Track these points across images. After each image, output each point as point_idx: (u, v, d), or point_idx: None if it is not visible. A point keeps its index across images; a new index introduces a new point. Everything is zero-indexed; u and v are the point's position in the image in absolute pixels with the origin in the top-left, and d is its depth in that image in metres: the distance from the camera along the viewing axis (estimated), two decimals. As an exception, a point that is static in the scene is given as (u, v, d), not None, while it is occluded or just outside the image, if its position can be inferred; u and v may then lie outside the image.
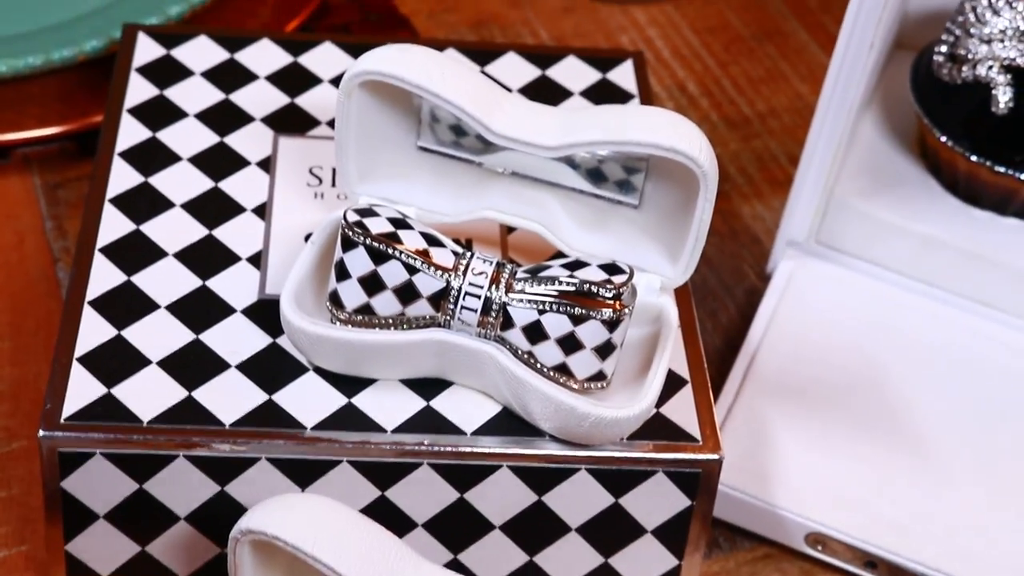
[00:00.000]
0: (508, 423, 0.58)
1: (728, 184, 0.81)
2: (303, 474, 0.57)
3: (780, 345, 0.70)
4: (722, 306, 0.75)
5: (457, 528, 0.59)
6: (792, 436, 0.66)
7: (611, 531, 0.60)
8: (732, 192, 0.81)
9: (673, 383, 0.60)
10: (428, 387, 0.59)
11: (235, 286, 0.61)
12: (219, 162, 0.66)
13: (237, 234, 0.63)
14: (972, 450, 0.67)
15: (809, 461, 0.65)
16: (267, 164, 0.66)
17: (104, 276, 0.61)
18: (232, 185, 0.65)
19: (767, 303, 0.72)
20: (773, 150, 0.84)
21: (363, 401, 0.58)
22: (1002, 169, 0.71)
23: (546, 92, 0.72)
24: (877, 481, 0.65)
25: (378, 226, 0.57)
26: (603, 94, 0.72)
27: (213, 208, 0.64)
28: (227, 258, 0.62)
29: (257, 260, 0.62)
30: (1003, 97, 0.71)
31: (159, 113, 0.68)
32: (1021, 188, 0.72)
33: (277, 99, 0.70)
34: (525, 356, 0.57)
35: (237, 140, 0.67)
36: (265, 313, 0.60)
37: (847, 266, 0.74)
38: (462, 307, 0.57)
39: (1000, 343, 0.72)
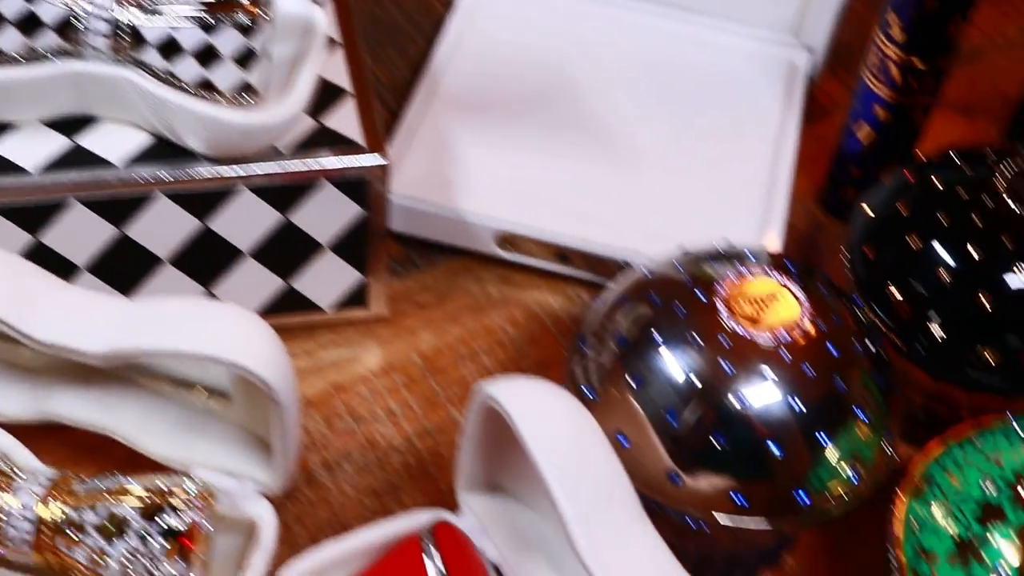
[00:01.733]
0: (160, 151, 0.55)
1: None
2: (-56, 227, 0.54)
3: (466, 65, 0.69)
4: (411, 40, 0.73)
5: (121, 267, 0.57)
6: (480, 148, 0.65)
7: (286, 251, 0.58)
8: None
9: (336, 96, 0.58)
10: (72, 125, 0.56)
11: None
12: None
13: None
14: (659, 141, 0.67)
15: (497, 168, 0.64)
16: None
17: None
18: None
19: (452, 26, 0.70)
20: None
21: (2, 147, 0.55)
22: None
23: None
24: (566, 178, 0.64)
25: (-11, -43, 0.54)
26: None
27: None
28: None
29: None
30: None
31: None
32: None
33: None
34: (165, 76, 0.54)
35: None
36: None
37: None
38: (90, 32, 0.54)
39: (686, 39, 0.71)
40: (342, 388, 0.60)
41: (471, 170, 0.64)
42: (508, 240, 0.63)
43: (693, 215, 0.63)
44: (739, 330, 0.49)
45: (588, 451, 0.47)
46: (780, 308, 0.50)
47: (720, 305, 0.50)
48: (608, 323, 0.52)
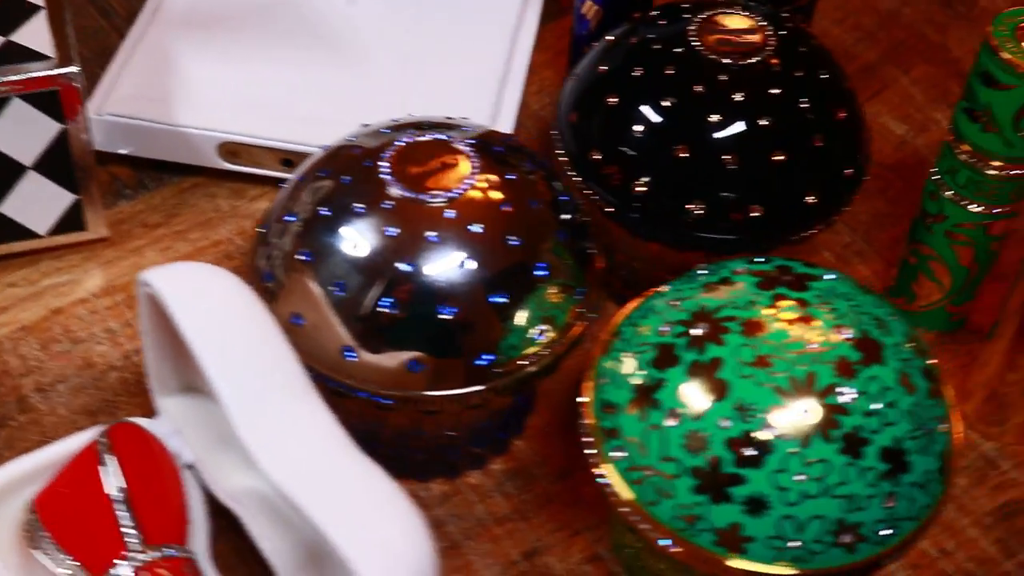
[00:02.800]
0: None
1: None
2: None
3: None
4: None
5: None
6: (203, 62, 0.63)
7: (-14, 175, 0.56)
8: None
9: (26, 11, 0.56)
10: None
11: None
12: None
13: None
14: (391, 40, 0.65)
15: (220, 80, 0.63)
16: None
17: None
18: None
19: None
20: None
21: None
22: None
23: None
24: (291, 85, 0.62)
25: None
26: None
27: None
28: None
29: None
30: None
31: None
32: None
33: None
34: None
35: None
36: None
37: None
38: None
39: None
40: (60, 311, 0.58)
41: (192, 85, 0.62)
42: (231, 151, 0.61)
43: (423, 111, 0.61)
44: (403, 194, 0.47)
45: (247, 332, 0.46)
46: (450, 172, 0.48)
47: (384, 172, 0.48)
48: (288, 206, 0.50)
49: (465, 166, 0.48)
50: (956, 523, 0.53)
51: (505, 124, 0.61)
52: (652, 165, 0.53)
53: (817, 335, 0.44)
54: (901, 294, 0.59)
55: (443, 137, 0.49)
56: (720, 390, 0.44)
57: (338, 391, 0.48)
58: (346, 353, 0.47)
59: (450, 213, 0.47)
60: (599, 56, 0.55)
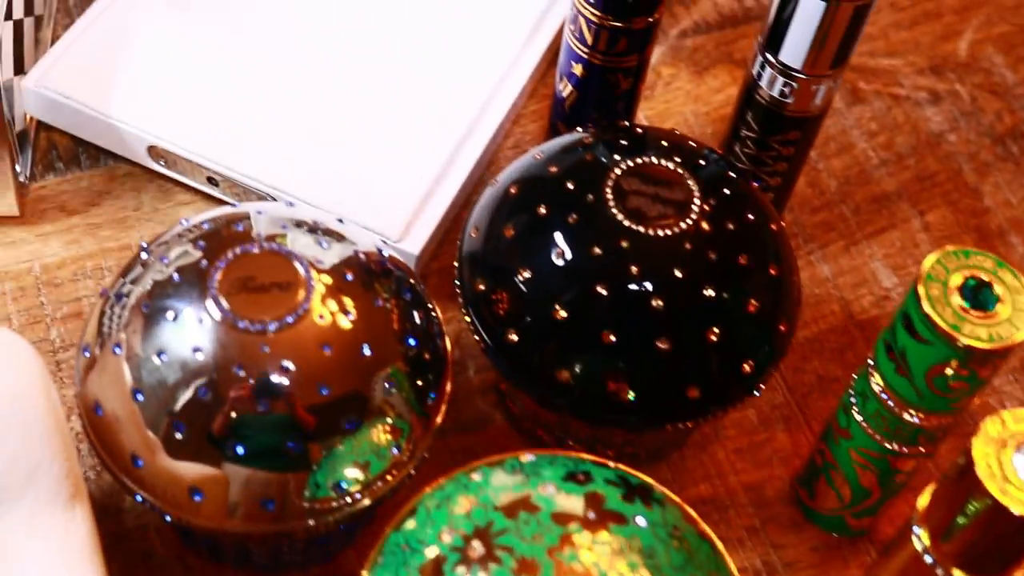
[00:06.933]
0: None
1: None
2: None
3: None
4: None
5: None
6: (154, 53, 0.60)
7: None
8: None
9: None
10: None
11: None
12: None
13: None
14: (330, 80, 0.61)
15: (164, 77, 0.59)
16: None
17: None
18: None
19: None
20: None
21: None
22: None
23: None
24: (235, 100, 0.59)
25: None
26: None
27: None
28: None
29: None
30: None
31: None
32: None
33: None
34: None
35: None
36: None
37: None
38: None
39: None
40: (-54, 289, 0.57)
41: (136, 76, 0.59)
42: (160, 155, 0.58)
43: (358, 176, 0.58)
44: (222, 312, 0.44)
45: (15, 421, 0.43)
46: (283, 297, 0.44)
47: (213, 282, 0.44)
48: (129, 280, 0.46)
49: (301, 294, 0.44)
50: None
51: (437, 208, 0.57)
52: (528, 315, 0.48)
53: (591, 596, 0.40)
54: (804, 486, 0.54)
55: (287, 255, 0.45)
56: (467, 624, 0.40)
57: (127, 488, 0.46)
58: (135, 460, 0.45)
59: (265, 348, 0.44)
60: (521, 167, 0.51)
